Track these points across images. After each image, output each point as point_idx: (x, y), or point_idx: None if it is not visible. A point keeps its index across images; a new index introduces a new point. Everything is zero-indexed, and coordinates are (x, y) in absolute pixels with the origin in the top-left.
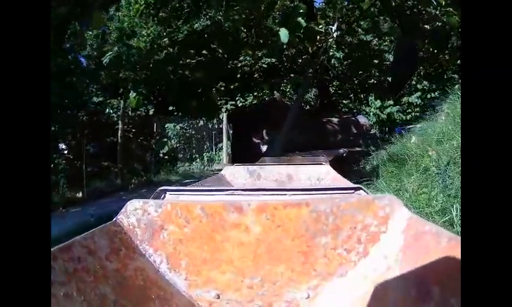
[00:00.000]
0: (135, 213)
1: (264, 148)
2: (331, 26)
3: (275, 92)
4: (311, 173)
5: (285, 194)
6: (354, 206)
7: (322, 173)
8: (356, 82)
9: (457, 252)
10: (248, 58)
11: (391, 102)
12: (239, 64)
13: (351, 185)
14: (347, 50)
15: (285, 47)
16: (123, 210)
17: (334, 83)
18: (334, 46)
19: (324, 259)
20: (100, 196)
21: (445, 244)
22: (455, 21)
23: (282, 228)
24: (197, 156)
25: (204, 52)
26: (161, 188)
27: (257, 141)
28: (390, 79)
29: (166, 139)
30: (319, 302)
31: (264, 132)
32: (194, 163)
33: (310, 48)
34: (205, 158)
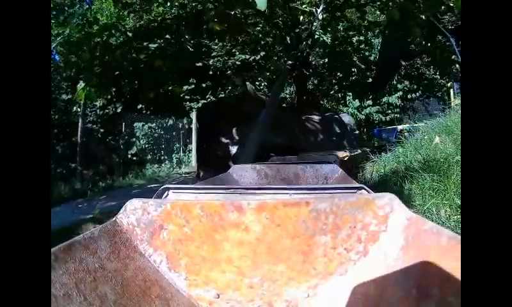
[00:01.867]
0: (134, 213)
1: (234, 149)
2: (316, 8)
3: (247, 83)
4: (318, 172)
5: (287, 193)
6: (354, 205)
7: (330, 172)
8: (334, 81)
9: (457, 251)
10: (220, 55)
11: (370, 102)
12: (211, 61)
13: (355, 184)
14: (330, 39)
15: (260, 37)
16: (122, 209)
17: (312, 79)
18: (320, 30)
19: (323, 259)
20: (56, 203)
21: (445, 243)
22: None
23: (282, 227)
24: (166, 157)
25: (167, 36)
26: (164, 186)
27: (226, 141)
28: (372, 77)
29: (134, 139)
30: (318, 301)
31: (234, 130)
32: (163, 165)
33: (291, 34)
34: (174, 160)
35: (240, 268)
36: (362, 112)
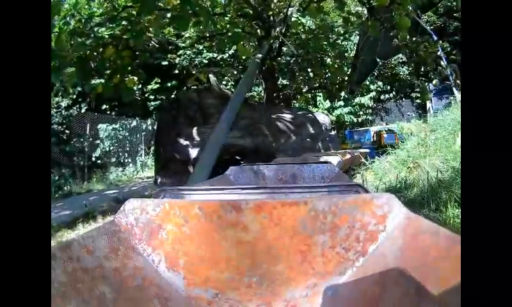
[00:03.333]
0: (133, 213)
1: (195, 152)
2: None
3: (211, 76)
4: (316, 172)
5: (283, 192)
6: (353, 204)
7: (327, 171)
8: (307, 78)
9: (455, 251)
10: (186, 51)
11: (341, 103)
12: (177, 60)
13: (350, 182)
14: (309, 21)
15: (229, 27)
16: (121, 209)
17: (283, 76)
18: (298, 13)
19: (322, 258)
20: None
21: (444, 242)
22: None
23: (280, 226)
24: (129, 161)
25: (124, 23)
26: (162, 187)
27: (185, 143)
28: (348, 75)
29: (98, 141)
30: (317, 301)
31: (195, 130)
32: (127, 168)
33: (263, 16)
34: (138, 163)
35: (239, 268)
36: (333, 114)
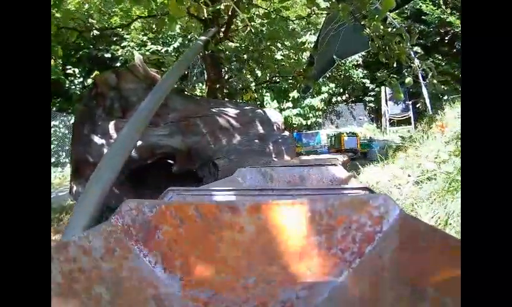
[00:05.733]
0: (129, 213)
1: None
2: None
3: (135, 53)
4: (324, 174)
5: (291, 195)
6: (349, 205)
7: (335, 174)
8: (258, 73)
9: (452, 252)
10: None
11: (289, 104)
12: (119, 51)
13: (358, 185)
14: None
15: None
16: (117, 210)
17: (230, 67)
18: None
19: (318, 259)
20: None
21: (440, 244)
22: None
23: (277, 227)
24: (67, 161)
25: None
26: (169, 188)
27: (100, 141)
28: (303, 69)
29: None
30: (313, 302)
31: (112, 125)
32: (65, 169)
33: None
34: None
35: (235, 269)
36: (281, 115)
